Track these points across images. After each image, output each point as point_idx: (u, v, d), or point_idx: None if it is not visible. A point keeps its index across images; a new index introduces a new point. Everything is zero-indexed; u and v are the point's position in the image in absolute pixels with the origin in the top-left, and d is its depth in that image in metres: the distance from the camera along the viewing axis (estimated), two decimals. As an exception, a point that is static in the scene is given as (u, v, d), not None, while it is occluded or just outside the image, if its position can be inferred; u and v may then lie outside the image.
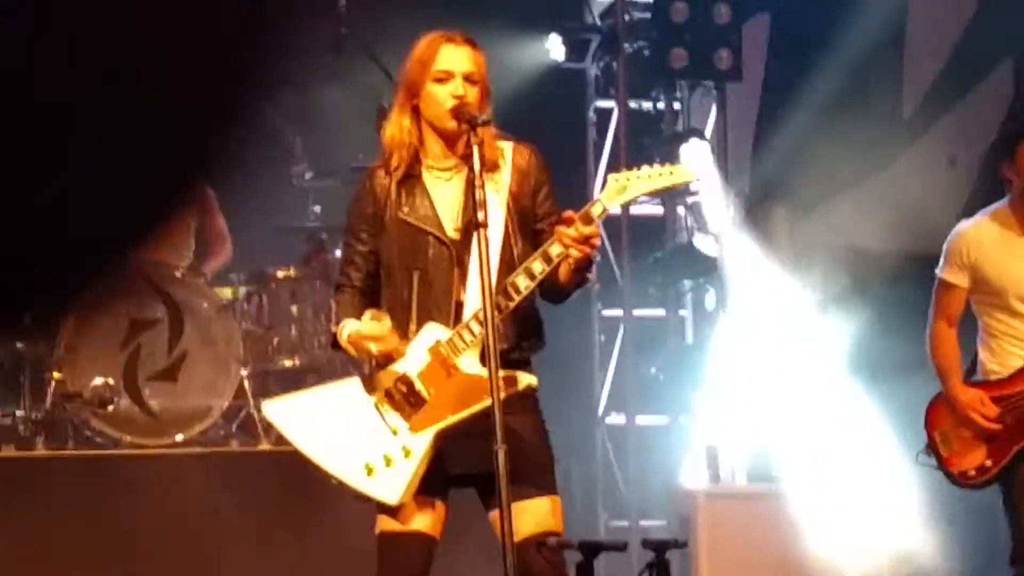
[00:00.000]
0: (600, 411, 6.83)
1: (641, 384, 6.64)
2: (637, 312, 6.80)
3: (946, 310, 4.70)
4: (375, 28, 5.90)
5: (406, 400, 3.46)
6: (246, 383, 5.74)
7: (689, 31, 6.53)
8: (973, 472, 4.68)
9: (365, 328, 3.43)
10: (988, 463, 4.65)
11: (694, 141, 6.44)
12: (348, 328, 3.48)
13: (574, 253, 3.29)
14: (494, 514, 3.31)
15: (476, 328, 3.40)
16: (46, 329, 5.81)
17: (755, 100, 6.91)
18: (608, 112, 6.96)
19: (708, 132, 6.78)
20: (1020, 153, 4.60)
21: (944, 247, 4.76)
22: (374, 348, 3.41)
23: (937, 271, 4.74)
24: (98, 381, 5.75)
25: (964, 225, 4.77)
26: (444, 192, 3.51)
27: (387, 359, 3.45)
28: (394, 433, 3.49)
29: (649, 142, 6.72)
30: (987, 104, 6.97)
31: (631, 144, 6.79)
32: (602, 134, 7.02)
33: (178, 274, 5.80)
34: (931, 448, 4.74)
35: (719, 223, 6.65)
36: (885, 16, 6.96)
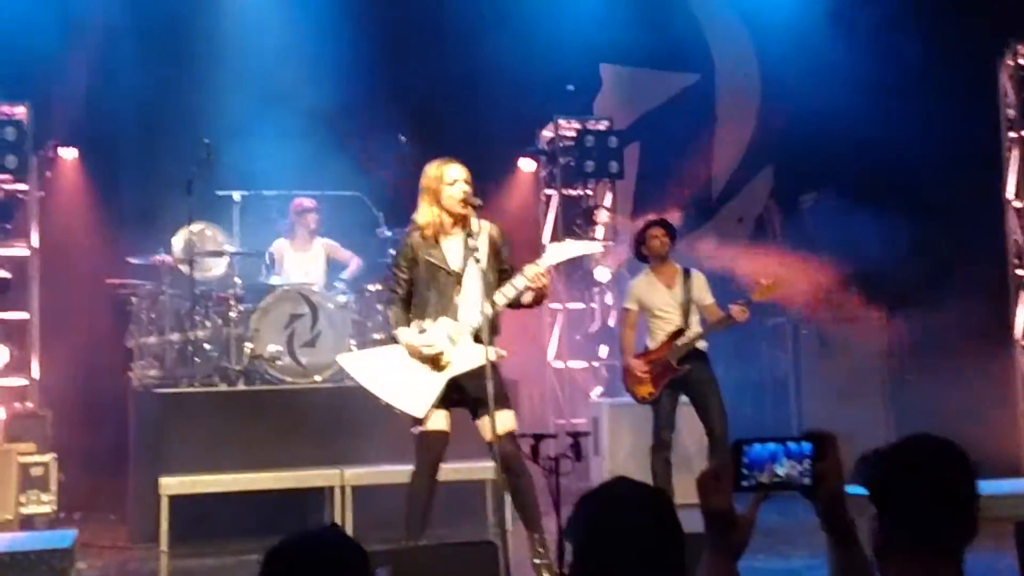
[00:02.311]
0: (549, 358, 9.49)
1: (573, 344, 9.45)
2: (569, 305, 9.49)
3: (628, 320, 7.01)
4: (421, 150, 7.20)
5: (429, 359, 4.99)
6: (353, 348, 7.50)
7: (595, 151, 9.29)
8: (645, 396, 6.88)
9: (415, 341, 4.96)
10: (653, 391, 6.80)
11: (600, 212, 9.47)
12: (403, 337, 4.99)
13: (533, 285, 4.90)
14: (480, 422, 4.92)
15: (473, 322, 4.92)
16: (246, 318, 7.66)
17: (631, 188, 9.85)
18: (550, 196, 9.66)
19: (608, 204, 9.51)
20: (648, 236, 6.91)
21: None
22: (424, 352, 4.92)
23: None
24: (272, 348, 7.63)
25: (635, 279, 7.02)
26: (451, 245, 5.07)
27: (428, 358, 4.92)
28: (421, 377, 4.95)
29: (574, 212, 9.41)
30: (753, 188, 10.23)
31: (564, 214, 9.39)
32: (546, 209, 9.58)
33: (316, 289, 7.91)
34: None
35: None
36: (702, 143, 10.09)
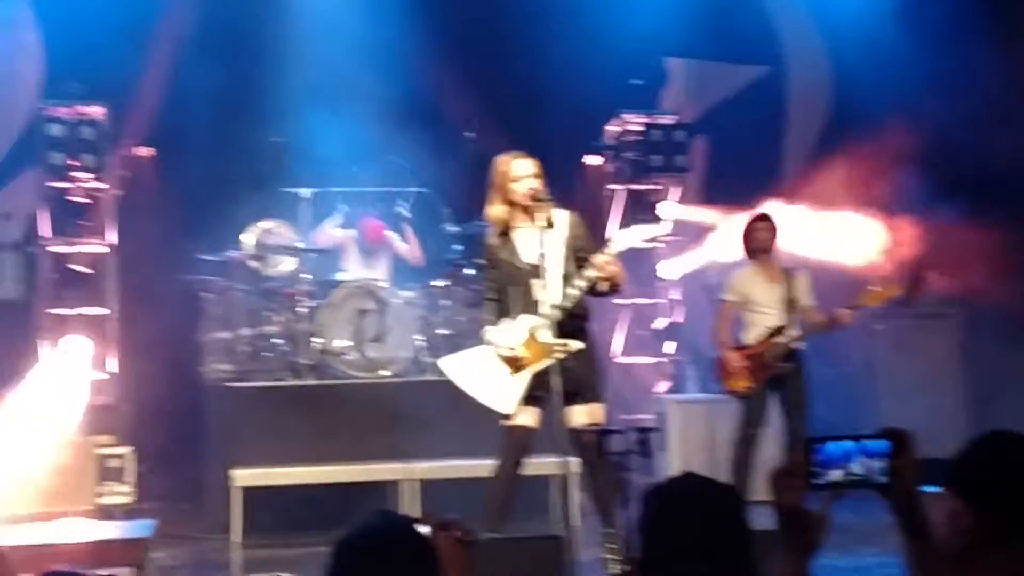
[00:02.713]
0: (614, 354, 9.19)
1: (638, 339, 9.31)
2: (635, 300, 9.17)
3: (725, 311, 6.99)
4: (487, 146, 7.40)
5: (513, 356, 5.10)
6: (421, 343, 7.78)
7: (662, 145, 9.24)
8: (741, 390, 6.82)
9: (498, 340, 5.11)
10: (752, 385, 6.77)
11: (665, 203, 9.29)
12: (489, 337, 5.18)
13: (602, 275, 4.96)
14: (566, 412, 4.95)
15: (548, 316, 4.96)
16: (315, 314, 7.73)
17: (699, 183, 9.66)
18: (616, 192, 9.44)
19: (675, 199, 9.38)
20: (753, 228, 6.87)
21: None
22: (501, 353, 5.11)
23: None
24: (340, 343, 7.70)
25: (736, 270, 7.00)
26: (525, 239, 5.11)
27: (507, 359, 5.09)
28: (507, 374, 5.10)
29: (640, 207, 9.27)
30: None
31: (631, 209, 9.28)
32: (612, 205, 9.37)
33: (382, 285, 7.95)
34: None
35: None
36: (770, 134, 9.91)
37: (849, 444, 2.03)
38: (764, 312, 6.85)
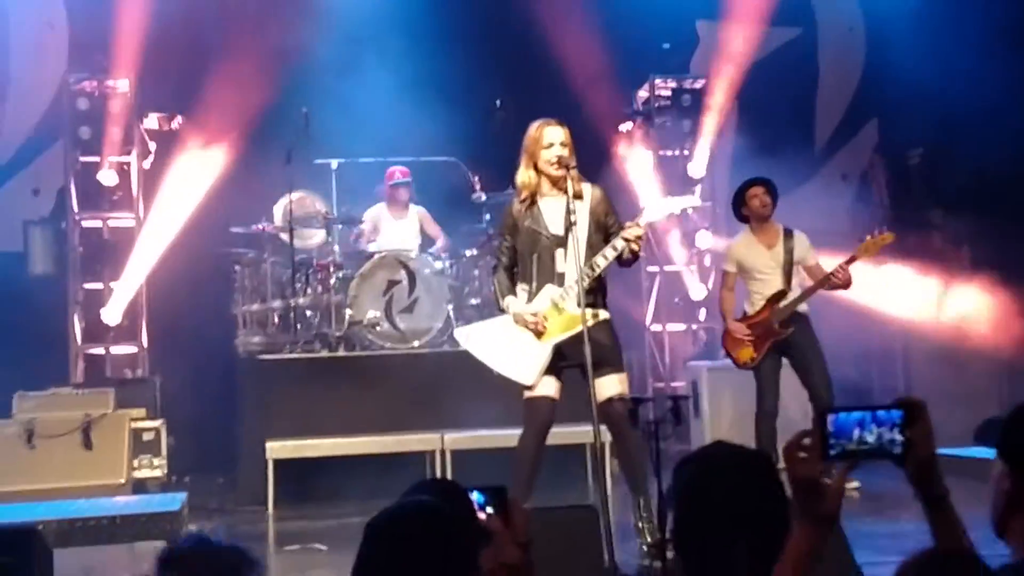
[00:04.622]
0: (647, 322, 9.42)
1: (671, 307, 9.36)
2: (666, 268, 9.39)
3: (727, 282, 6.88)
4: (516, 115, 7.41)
5: (537, 327, 5.02)
6: (451, 313, 7.83)
7: (692, 110, 9.21)
8: (747, 361, 6.70)
9: (522, 309, 5.01)
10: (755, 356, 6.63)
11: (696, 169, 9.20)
12: (513, 307, 5.04)
13: (634, 246, 4.86)
14: (595, 381, 4.78)
15: (574, 286, 4.87)
16: (346, 285, 7.77)
17: (730, 147, 9.48)
18: (647, 157, 9.36)
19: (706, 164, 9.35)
20: (748, 196, 6.71)
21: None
22: (528, 320, 4.99)
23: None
24: (371, 314, 7.79)
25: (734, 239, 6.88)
26: (551, 209, 5.02)
27: (532, 327, 4.99)
28: (528, 345, 5.00)
29: (671, 172, 9.22)
30: (862, 143, 10.02)
31: (662, 174, 9.18)
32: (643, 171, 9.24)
33: (412, 255, 8.00)
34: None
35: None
36: (804, 93, 9.95)
37: (861, 414, 2.03)
38: (763, 278, 6.72)
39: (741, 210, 6.81)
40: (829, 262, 6.58)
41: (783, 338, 6.60)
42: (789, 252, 6.71)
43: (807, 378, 6.61)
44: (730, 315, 6.83)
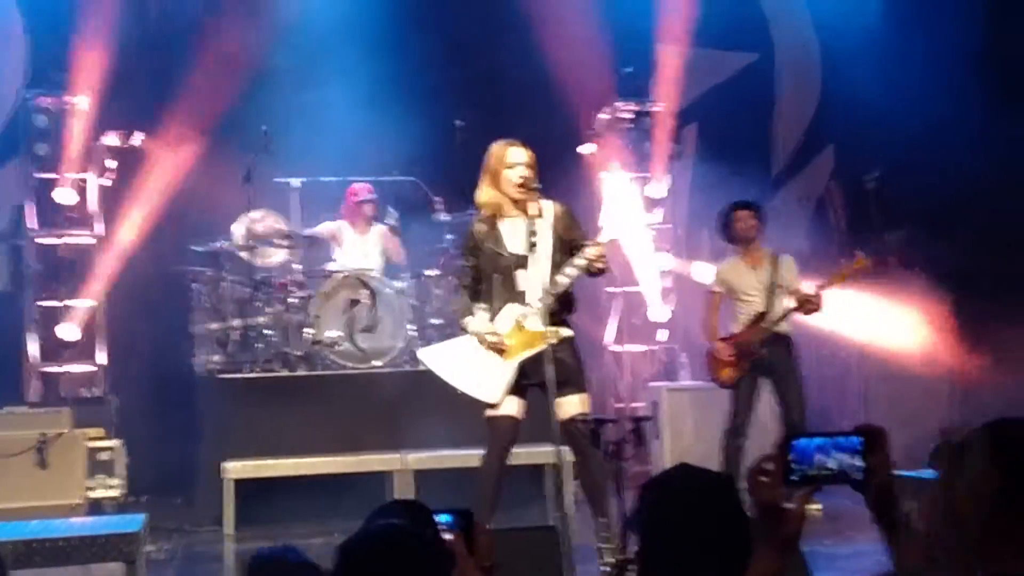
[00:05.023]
0: (607, 342, 9.24)
1: (631, 328, 9.24)
2: (626, 289, 9.19)
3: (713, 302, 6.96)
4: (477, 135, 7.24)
5: (498, 346, 5.02)
6: (413, 333, 7.76)
7: (652, 134, 9.22)
8: (727, 381, 6.83)
9: (483, 328, 5.02)
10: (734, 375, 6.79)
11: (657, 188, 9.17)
12: (472, 326, 5.06)
13: (595, 264, 4.92)
14: (556, 400, 4.84)
15: (536, 304, 4.90)
16: (306, 304, 7.75)
17: (689, 169, 9.72)
18: (607, 179, 9.08)
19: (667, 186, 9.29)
20: (733, 219, 6.89)
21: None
22: (488, 340, 5.01)
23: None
24: (332, 333, 7.72)
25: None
26: (512, 229, 5.06)
27: (494, 346, 4.99)
28: (492, 364, 5.01)
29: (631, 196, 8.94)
30: (819, 168, 10.17)
31: (622, 198, 8.79)
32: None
33: (374, 275, 7.91)
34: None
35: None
36: (761, 117, 10.01)
37: (823, 440, 2.08)
38: (748, 299, 6.82)
39: (727, 231, 6.94)
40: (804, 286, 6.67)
41: (760, 358, 6.66)
42: (774, 274, 6.79)
43: (782, 402, 6.72)
44: (713, 335, 6.95)
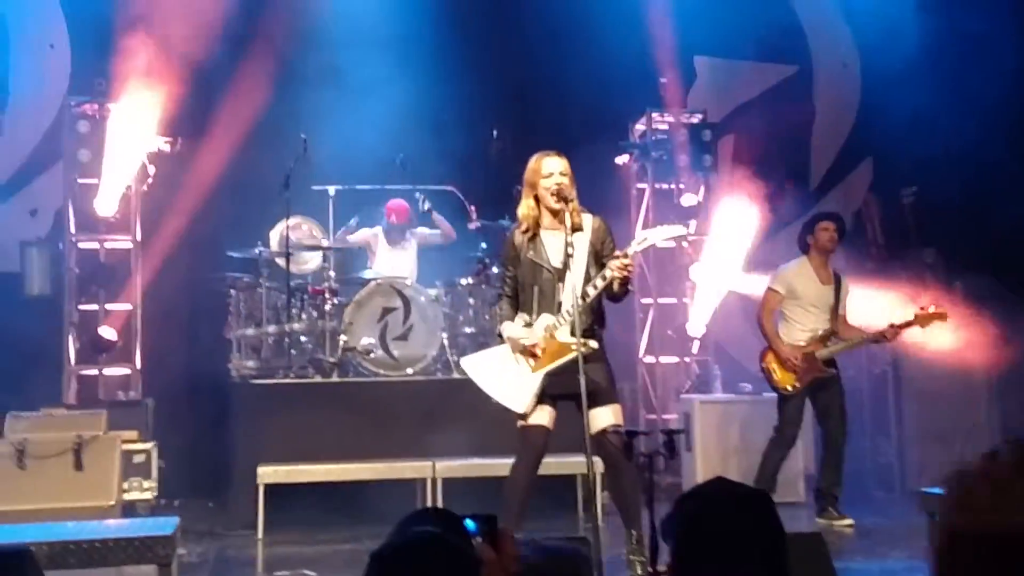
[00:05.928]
0: (640, 354, 9.46)
1: (664, 339, 9.34)
2: (660, 300, 9.43)
3: (772, 302, 6.94)
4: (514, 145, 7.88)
5: (531, 355, 5.06)
6: (445, 341, 7.83)
7: (688, 144, 9.18)
8: (787, 387, 6.77)
9: (516, 334, 5.07)
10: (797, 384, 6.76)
11: (688, 197, 9.22)
12: (507, 331, 5.09)
13: (617, 275, 4.86)
14: (588, 412, 4.74)
15: (567, 316, 4.93)
16: (341, 311, 7.80)
17: (725, 181, 9.40)
18: (642, 191, 9.60)
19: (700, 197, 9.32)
20: (818, 228, 6.97)
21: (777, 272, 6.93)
22: (522, 343, 5.06)
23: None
24: (366, 341, 7.78)
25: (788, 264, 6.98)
26: (552, 241, 5.07)
27: (528, 350, 5.04)
28: (523, 373, 5.07)
29: (666, 206, 9.28)
30: (857, 182, 10.13)
31: (656, 208, 9.35)
32: (639, 202, 9.60)
33: (408, 282, 8.00)
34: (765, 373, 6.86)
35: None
36: (799, 130, 10.03)
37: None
38: (811, 311, 6.81)
39: (807, 239, 6.93)
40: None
41: (825, 377, 6.71)
42: (838, 293, 6.84)
43: (826, 421, 6.76)
44: (776, 336, 6.88)
